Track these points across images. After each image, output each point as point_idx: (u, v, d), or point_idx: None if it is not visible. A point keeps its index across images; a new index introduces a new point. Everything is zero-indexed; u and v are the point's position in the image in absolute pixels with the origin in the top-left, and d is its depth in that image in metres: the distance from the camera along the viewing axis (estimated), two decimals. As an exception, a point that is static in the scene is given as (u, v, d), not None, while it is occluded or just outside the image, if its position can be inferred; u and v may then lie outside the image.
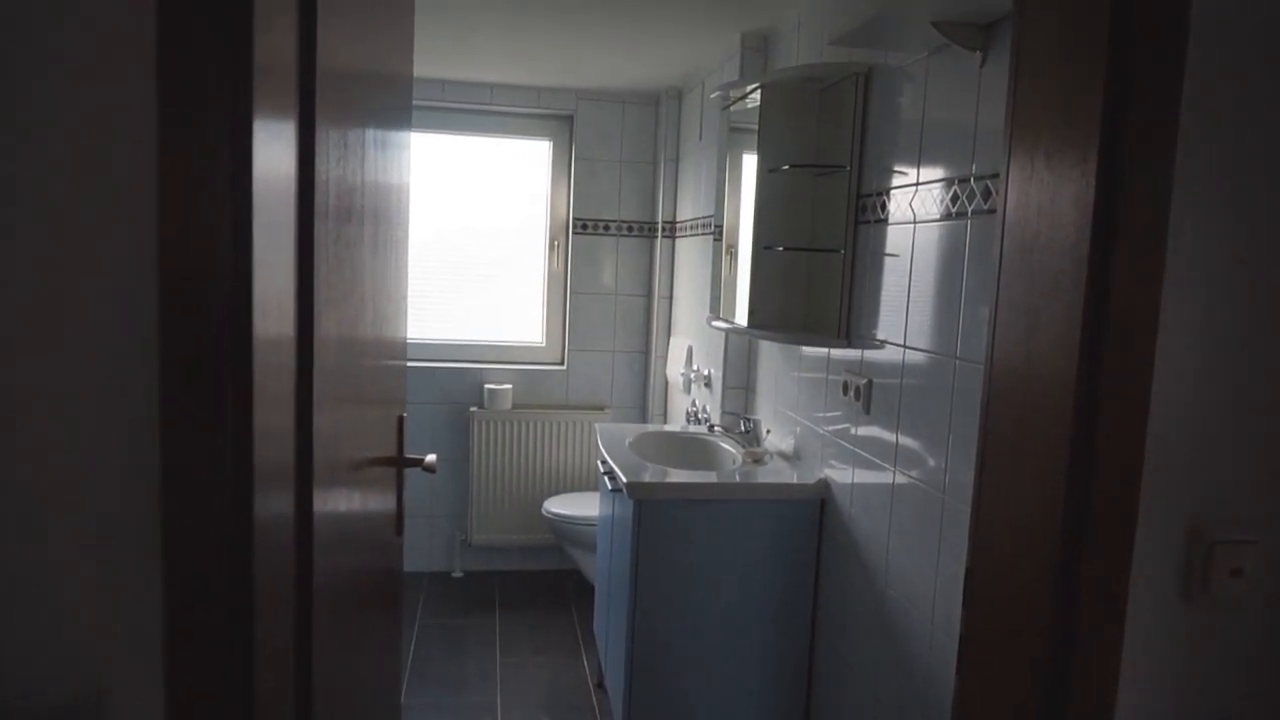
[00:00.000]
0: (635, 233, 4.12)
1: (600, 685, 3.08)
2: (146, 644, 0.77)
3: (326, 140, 1.00)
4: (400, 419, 1.65)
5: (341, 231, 1.11)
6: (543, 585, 4.01)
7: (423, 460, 1.65)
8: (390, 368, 1.58)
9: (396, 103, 1.55)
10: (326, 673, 1.16)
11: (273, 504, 0.87)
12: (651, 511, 2.33)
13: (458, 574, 4.08)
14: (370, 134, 1.30)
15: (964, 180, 1.72)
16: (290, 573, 0.98)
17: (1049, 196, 0.89)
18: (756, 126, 2.49)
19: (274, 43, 0.80)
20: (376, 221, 1.36)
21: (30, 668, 0.74)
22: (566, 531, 3.54)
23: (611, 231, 4.10)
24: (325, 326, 1.04)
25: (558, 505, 3.59)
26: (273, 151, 0.79)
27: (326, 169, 0.99)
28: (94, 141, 0.72)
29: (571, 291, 4.10)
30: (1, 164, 0.71)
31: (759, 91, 2.46)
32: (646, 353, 4.17)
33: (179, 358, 0.74)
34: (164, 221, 0.70)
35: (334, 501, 1.17)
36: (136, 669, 0.77)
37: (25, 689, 0.74)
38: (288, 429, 0.94)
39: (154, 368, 0.73)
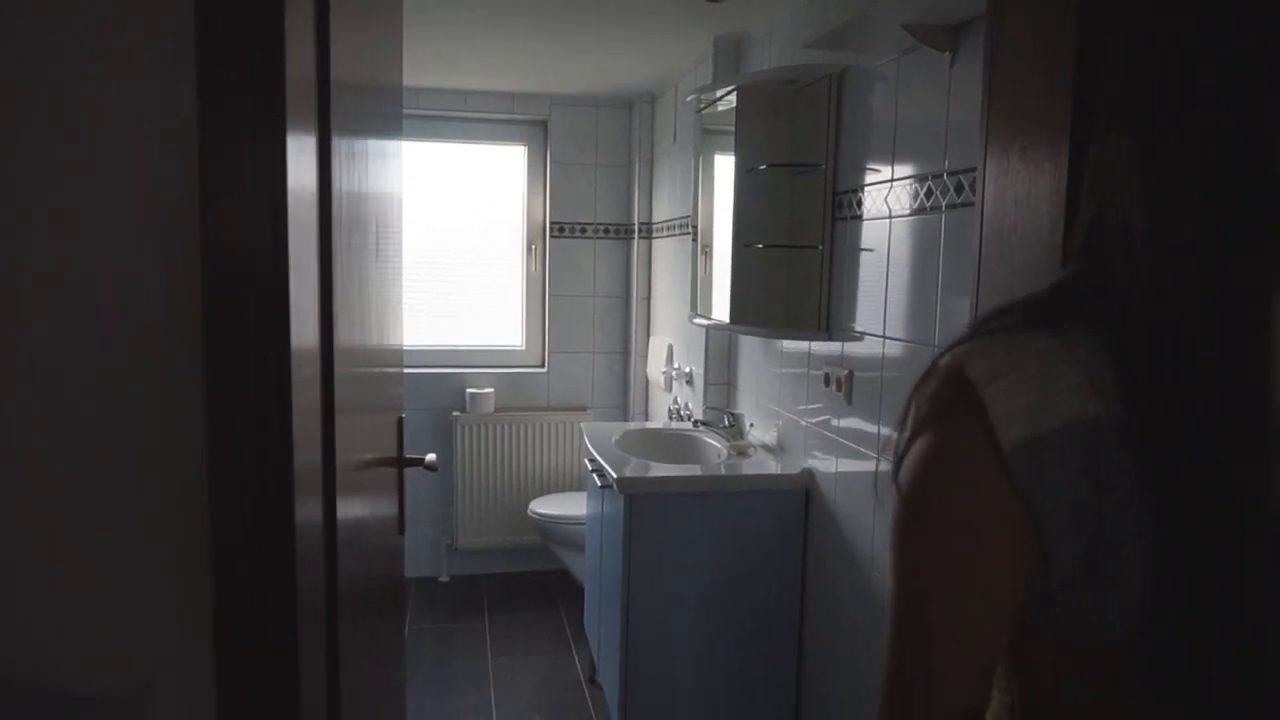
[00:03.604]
0: (612, 234, 4.17)
1: (592, 680, 3.12)
2: (195, 640, 0.81)
3: (338, 151, 1.04)
4: (400, 420, 1.69)
5: (351, 240, 1.15)
6: (530, 586, 4.04)
7: (423, 460, 1.69)
8: (390, 373, 1.62)
9: (391, 111, 1.59)
10: (349, 676, 1.20)
11: (306, 510, 0.90)
12: (641, 505, 2.38)
13: (444, 579, 4.10)
14: (371, 144, 1.34)
15: (937, 175, 1.79)
16: (320, 575, 1.01)
17: (1025, 189, 0.96)
18: (730, 128, 2.55)
19: (298, 57, 0.84)
20: (378, 230, 1.40)
21: (86, 659, 0.78)
22: (553, 531, 3.58)
23: (588, 234, 4.15)
24: (341, 335, 1.08)
25: (543, 506, 3.63)
26: (299, 163, 0.83)
27: (339, 179, 1.03)
28: (138, 157, 0.76)
29: (550, 294, 4.15)
30: (48, 177, 0.74)
31: (734, 94, 2.53)
32: (626, 353, 4.22)
33: (224, 369, 0.77)
34: (206, 234, 0.74)
35: (349, 507, 1.20)
36: (185, 663, 0.81)
37: (82, 678, 0.77)
38: (315, 436, 0.97)
39: (199, 378, 0.77)
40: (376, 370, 1.45)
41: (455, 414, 3.97)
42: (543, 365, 4.21)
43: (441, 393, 4.02)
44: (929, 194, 1.82)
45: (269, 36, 0.74)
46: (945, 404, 0.61)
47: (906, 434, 0.64)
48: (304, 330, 0.87)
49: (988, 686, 0.65)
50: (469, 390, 3.99)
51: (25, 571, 0.76)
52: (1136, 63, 0.60)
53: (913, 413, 0.64)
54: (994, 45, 1.04)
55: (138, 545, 0.79)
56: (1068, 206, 0.88)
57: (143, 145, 0.77)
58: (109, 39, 0.75)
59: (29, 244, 0.75)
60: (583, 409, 4.18)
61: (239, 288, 0.76)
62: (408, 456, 1.72)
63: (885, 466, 0.67)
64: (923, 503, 0.62)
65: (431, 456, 1.71)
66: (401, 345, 1.78)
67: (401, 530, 1.72)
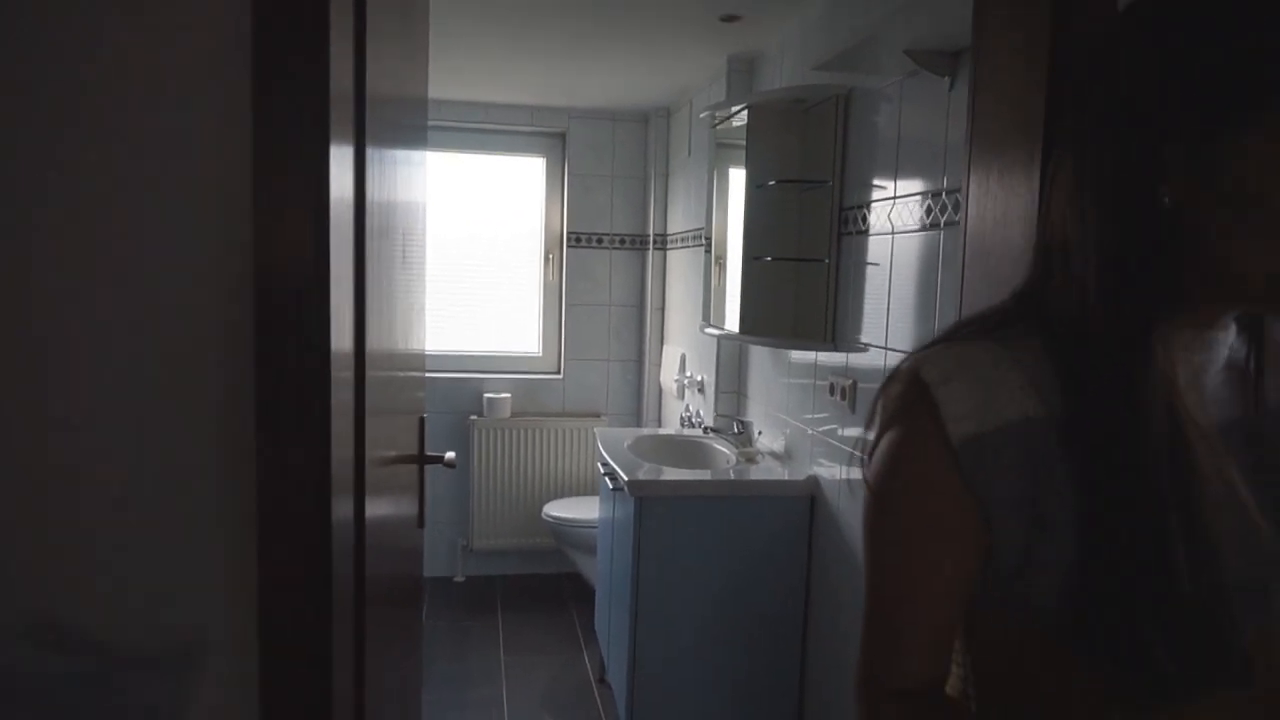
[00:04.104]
0: (628, 245, 4.26)
1: (602, 680, 3.20)
2: (242, 610, 0.90)
3: (371, 161, 1.12)
4: (421, 420, 1.78)
5: (381, 248, 1.24)
6: (543, 588, 4.13)
7: (443, 457, 1.78)
8: (414, 377, 1.71)
9: (417, 123, 1.68)
10: (374, 666, 1.28)
11: (340, 504, 0.99)
12: (651, 508, 2.46)
13: (459, 579, 4.19)
14: (399, 154, 1.43)
15: (936, 194, 1.87)
16: (349, 565, 1.09)
17: (1002, 210, 1.04)
18: (743, 143, 2.64)
19: (340, 72, 0.92)
20: (405, 238, 1.50)
21: (143, 621, 0.87)
22: (566, 534, 3.66)
23: (605, 244, 4.25)
24: (371, 340, 1.16)
25: (557, 509, 3.71)
26: (339, 174, 0.92)
27: (372, 189, 1.12)
28: (198, 171, 0.85)
29: (567, 303, 4.24)
30: (122, 188, 0.84)
31: (746, 111, 2.62)
32: (640, 361, 4.30)
33: (273, 370, 0.86)
34: (258, 241, 0.83)
35: (376, 504, 1.29)
36: (230, 630, 0.90)
37: (137, 637, 0.87)
38: (348, 437, 1.05)
39: (250, 374, 0.86)
40: (402, 374, 1.54)
41: (473, 418, 4.07)
42: (559, 372, 4.30)
43: (460, 397, 4.12)
44: (929, 211, 1.90)
45: (317, 55, 0.83)
46: (905, 403, 0.69)
47: (875, 431, 0.72)
48: (341, 334, 0.96)
49: (946, 658, 0.73)
50: (486, 395, 4.09)
51: (92, 537, 0.85)
52: (1080, 101, 0.69)
53: (879, 412, 0.72)
54: (978, 74, 1.13)
55: (192, 520, 0.88)
56: (1037, 227, 0.96)
57: (203, 161, 0.87)
58: (173, 57, 0.85)
59: (101, 245, 0.85)
60: (597, 415, 4.27)
61: (286, 292, 0.85)
62: (428, 454, 1.81)
63: (859, 464, 0.75)
64: (886, 491, 0.71)
65: (450, 454, 1.80)
66: (424, 350, 1.87)
67: (421, 524, 1.81)
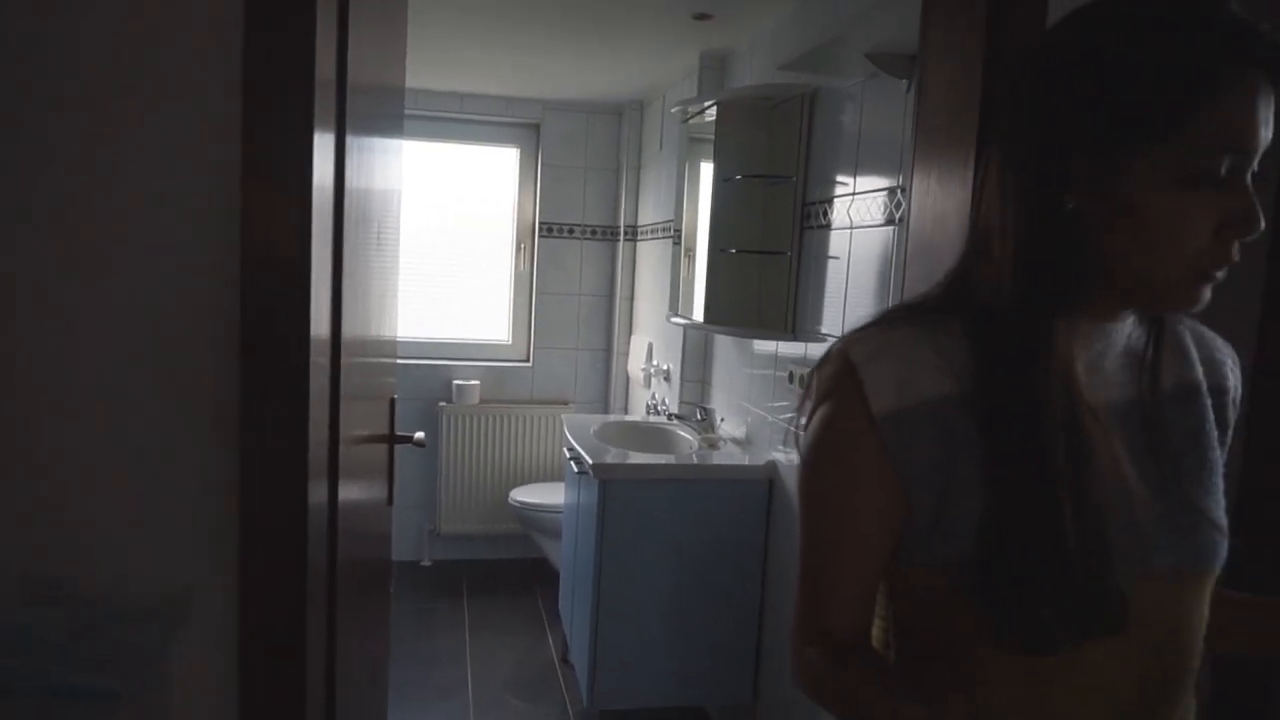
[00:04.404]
0: (599, 236, 4.32)
1: (565, 660, 3.27)
2: (224, 566, 0.96)
3: (350, 149, 1.17)
4: (391, 401, 1.84)
5: (358, 235, 1.30)
6: (509, 572, 4.19)
7: (412, 437, 1.84)
8: (385, 363, 1.77)
9: (394, 111, 1.73)
10: (345, 620, 1.35)
11: (315, 490, 1.04)
12: (615, 491, 2.53)
13: (426, 563, 4.24)
14: (377, 142, 1.48)
15: (892, 191, 1.95)
16: (324, 541, 1.15)
17: (941, 209, 1.12)
18: (713, 138, 2.71)
19: (323, 58, 0.98)
20: (380, 225, 1.55)
21: (136, 571, 0.92)
22: (532, 519, 3.72)
23: (576, 235, 4.30)
24: (347, 327, 1.22)
25: (524, 494, 3.77)
26: (320, 162, 0.98)
27: (351, 176, 1.17)
28: (187, 160, 0.91)
29: (537, 292, 4.29)
30: (114, 177, 0.89)
31: (715, 108, 2.69)
32: (609, 349, 4.37)
33: (255, 356, 0.92)
34: (245, 232, 0.89)
35: (349, 486, 1.34)
36: (214, 583, 0.96)
37: (134, 586, 0.92)
38: (323, 422, 1.11)
39: (235, 355, 0.92)
40: (375, 360, 1.59)
41: (441, 404, 4.11)
42: (528, 360, 4.36)
43: (429, 383, 4.16)
44: (884, 208, 1.98)
45: (304, 41, 0.88)
46: (835, 381, 0.77)
47: (809, 405, 0.80)
48: (319, 320, 1.01)
49: (869, 608, 0.81)
50: (455, 381, 4.14)
51: (85, 502, 0.91)
52: (1008, 109, 0.77)
53: (813, 388, 0.80)
54: (922, 84, 1.21)
55: (179, 488, 0.94)
56: (969, 217, 1.04)
57: (192, 150, 0.92)
58: (167, 45, 0.90)
59: (91, 231, 0.90)
60: (565, 403, 4.33)
61: (270, 279, 0.90)
62: (398, 434, 1.87)
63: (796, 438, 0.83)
64: (817, 459, 0.78)
65: (420, 434, 1.85)
66: (396, 336, 1.92)
67: (390, 502, 1.86)
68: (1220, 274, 0.71)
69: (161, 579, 0.94)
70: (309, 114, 0.90)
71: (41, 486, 0.89)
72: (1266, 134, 0.68)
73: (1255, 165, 0.69)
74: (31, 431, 0.89)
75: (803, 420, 0.81)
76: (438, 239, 4.25)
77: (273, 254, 0.90)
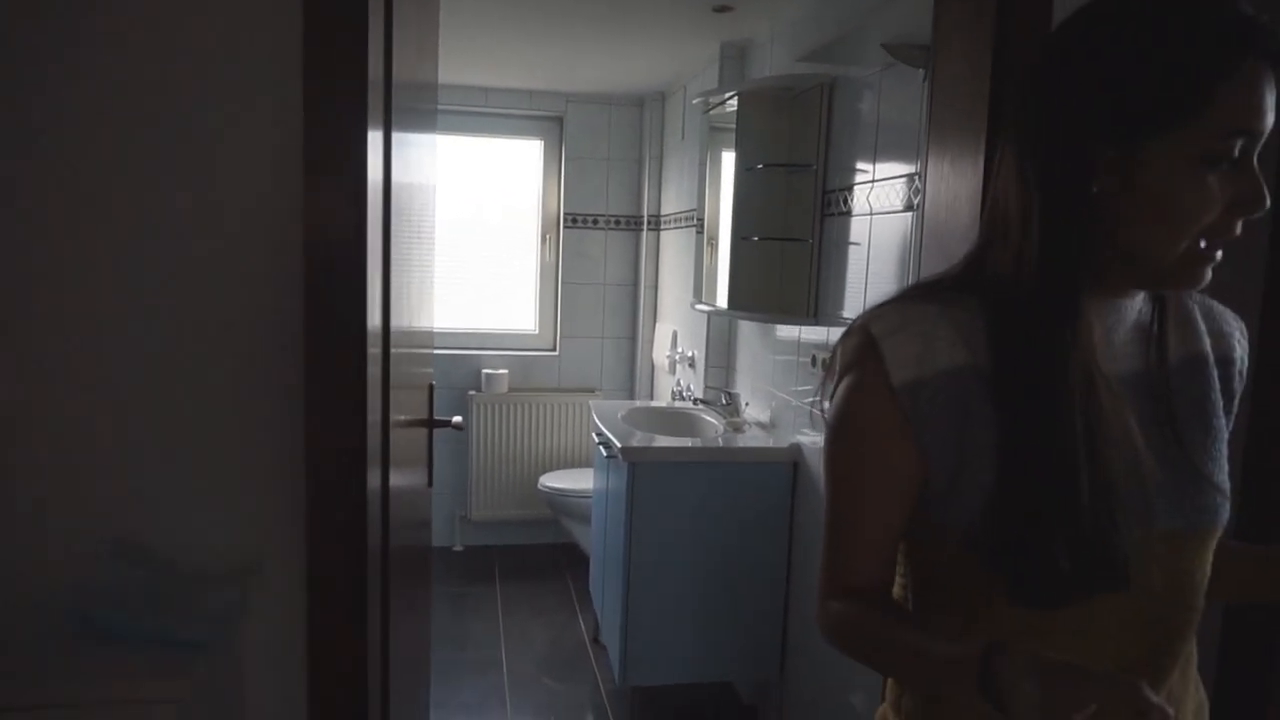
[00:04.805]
0: (622, 226, 4.39)
1: (596, 640, 3.36)
2: (292, 538, 1.04)
3: (396, 145, 1.24)
4: (430, 387, 1.92)
5: (402, 229, 1.37)
6: (539, 557, 4.28)
7: (450, 421, 1.93)
8: (424, 353, 1.85)
9: (429, 107, 1.80)
10: (396, 620, 1.42)
11: (371, 472, 1.12)
12: (643, 474, 2.61)
13: (458, 548, 4.35)
14: (416, 137, 1.55)
15: (911, 178, 2.00)
16: (379, 537, 1.22)
17: (953, 194, 1.18)
18: (734, 127, 2.77)
19: (374, 56, 1.05)
20: (420, 219, 1.63)
21: (213, 541, 1.01)
22: (562, 504, 3.81)
23: (600, 225, 4.38)
24: (395, 317, 1.29)
25: (553, 480, 3.86)
26: (373, 159, 1.05)
27: (397, 172, 1.24)
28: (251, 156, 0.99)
29: (563, 282, 4.37)
30: (188, 176, 0.98)
31: (736, 98, 2.74)
32: (634, 338, 4.45)
33: (318, 349, 1.00)
34: (308, 223, 0.97)
35: (398, 470, 1.41)
36: (283, 554, 1.05)
37: (206, 560, 1.01)
38: (377, 408, 1.18)
39: (299, 348, 1.00)
40: (417, 350, 1.67)
41: (471, 393, 4.21)
42: (554, 349, 4.44)
43: (459, 373, 4.26)
44: (902, 194, 2.03)
45: (359, 43, 0.95)
46: (858, 353, 0.84)
47: (834, 375, 0.87)
48: (373, 311, 1.09)
49: (889, 564, 0.87)
50: (485, 371, 4.23)
51: (168, 476, 1.00)
52: (1026, 106, 0.82)
53: (837, 359, 0.86)
54: (935, 76, 1.26)
55: (252, 466, 1.03)
56: (981, 208, 1.10)
57: (255, 151, 1.00)
58: (235, 55, 0.98)
59: (167, 230, 0.99)
60: (592, 390, 4.41)
61: (330, 272, 0.98)
62: (436, 419, 1.95)
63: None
64: (841, 426, 0.85)
65: (458, 418, 1.94)
66: (432, 327, 2.00)
67: (430, 484, 1.95)
68: (1221, 252, 0.77)
69: (235, 548, 1.03)
70: (363, 114, 0.97)
71: (128, 464, 0.98)
72: (1271, 118, 0.74)
73: (1259, 148, 0.74)
74: (121, 416, 0.98)
75: (828, 389, 0.87)
76: (465, 231, 4.34)
77: (332, 252, 0.97)
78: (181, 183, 0.97)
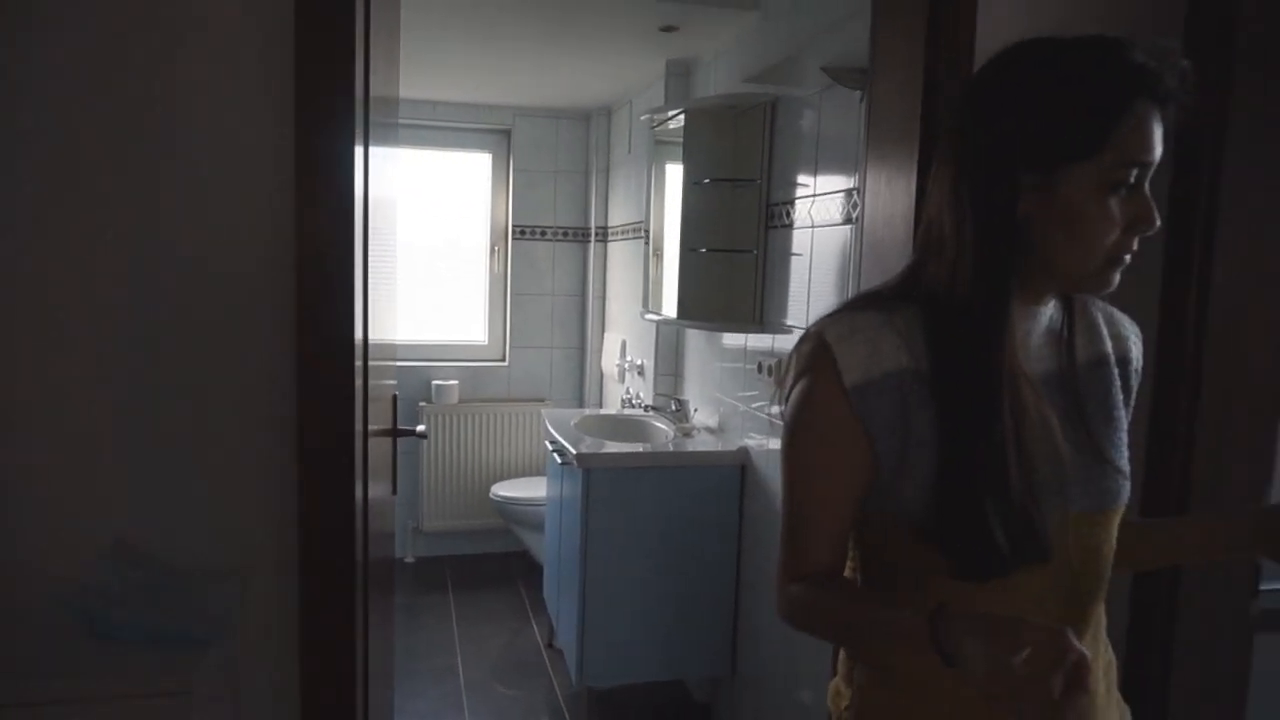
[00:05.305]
0: (570, 238, 4.47)
1: (551, 645, 3.42)
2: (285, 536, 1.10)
3: (373, 160, 1.29)
4: (394, 398, 1.97)
5: (373, 243, 1.43)
6: (491, 566, 4.32)
7: (414, 429, 1.98)
8: (389, 365, 1.90)
9: (393, 121, 1.85)
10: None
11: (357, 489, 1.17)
12: (598, 478, 2.68)
13: (410, 559, 4.35)
14: (385, 152, 1.60)
15: (849, 193, 2.13)
16: (362, 546, 1.27)
17: (889, 211, 1.29)
18: (680, 141, 2.87)
19: (358, 74, 1.11)
20: (387, 233, 1.68)
21: (205, 548, 1.06)
22: (513, 513, 3.86)
23: (548, 237, 4.45)
24: (372, 331, 1.34)
25: (505, 489, 3.91)
26: (357, 174, 1.11)
27: (374, 187, 1.29)
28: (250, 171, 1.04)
29: (512, 293, 4.43)
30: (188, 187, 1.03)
31: (683, 115, 2.85)
32: (582, 347, 4.52)
33: (310, 356, 1.06)
34: (301, 245, 1.03)
35: (374, 485, 1.46)
36: (275, 553, 1.10)
37: (202, 561, 1.06)
38: (361, 418, 1.24)
39: (291, 356, 1.06)
40: (386, 362, 1.72)
41: (422, 404, 4.23)
42: (504, 359, 4.49)
43: (410, 384, 4.27)
44: (842, 208, 2.16)
45: (348, 58, 1.01)
46: (812, 357, 0.93)
47: (790, 378, 0.96)
48: (358, 326, 1.15)
49: (842, 549, 0.97)
50: (435, 382, 4.26)
51: (164, 479, 1.04)
52: (952, 132, 0.93)
53: (793, 363, 0.96)
54: (872, 101, 1.38)
55: (245, 469, 1.08)
56: (915, 226, 1.21)
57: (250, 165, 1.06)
58: (230, 74, 1.03)
59: (168, 237, 1.04)
60: (541, 400, 4.47)
61: (320, 289, 1.04)
62: (400, 428, 2.00)
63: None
64: (798, 423, 0.94)
65: (421, 427, 1.99)
66: (395, 339, 2.05)
67: (394, 490, 2.00)
68: (1127, 260, 0.88)
69: (232, 550, 1.07)
70: (353, 131, 1.04)
71: (127, 469, 1.02)
72: (1159, 150, 0.86)
73: (1149, 175, 0.86)
74: (123, 420, 1.02)
75: (784, 392, 0.97)
76: (414, 243, 4.37)
77: (324, 267, 1.03)
78: (179, 191, 1.02)
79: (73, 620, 1.02)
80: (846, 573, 1.01)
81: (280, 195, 1.04)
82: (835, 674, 1.06)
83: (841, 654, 1.05)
